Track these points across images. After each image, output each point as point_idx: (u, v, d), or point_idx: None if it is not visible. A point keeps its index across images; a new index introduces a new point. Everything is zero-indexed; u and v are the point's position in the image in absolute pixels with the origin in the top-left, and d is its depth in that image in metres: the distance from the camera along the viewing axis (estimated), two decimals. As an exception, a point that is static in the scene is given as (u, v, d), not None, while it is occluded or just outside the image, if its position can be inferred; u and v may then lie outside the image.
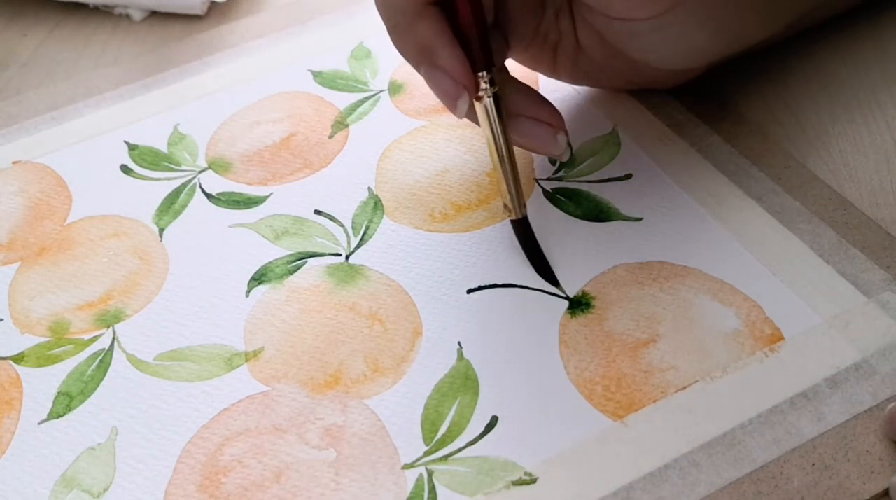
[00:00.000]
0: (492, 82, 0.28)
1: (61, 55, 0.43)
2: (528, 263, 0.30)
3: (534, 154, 0.34)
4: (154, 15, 0.45)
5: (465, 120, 0.35)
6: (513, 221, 0.30)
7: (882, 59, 0.36)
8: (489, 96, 0.28)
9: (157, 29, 0.44)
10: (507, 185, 0.29)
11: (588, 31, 0.31)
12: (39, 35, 0.44)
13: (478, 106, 0.29)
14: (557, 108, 0.30)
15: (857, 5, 0.38)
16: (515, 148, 0.29)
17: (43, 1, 0.46)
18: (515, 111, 0.30)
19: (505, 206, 0.30)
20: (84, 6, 0.45)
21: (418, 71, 0.29)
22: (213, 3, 0.44)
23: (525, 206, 0.30)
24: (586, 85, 0.35)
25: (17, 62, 0.42)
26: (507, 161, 0.29)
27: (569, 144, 0.30)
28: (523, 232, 0.30)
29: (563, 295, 0.29)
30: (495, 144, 0.29)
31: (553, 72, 0.34)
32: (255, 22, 0.43)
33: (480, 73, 0.28)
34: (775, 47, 0.37)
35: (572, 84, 0.35)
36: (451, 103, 0.28)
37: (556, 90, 0.36)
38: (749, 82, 0.36)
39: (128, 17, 0.44)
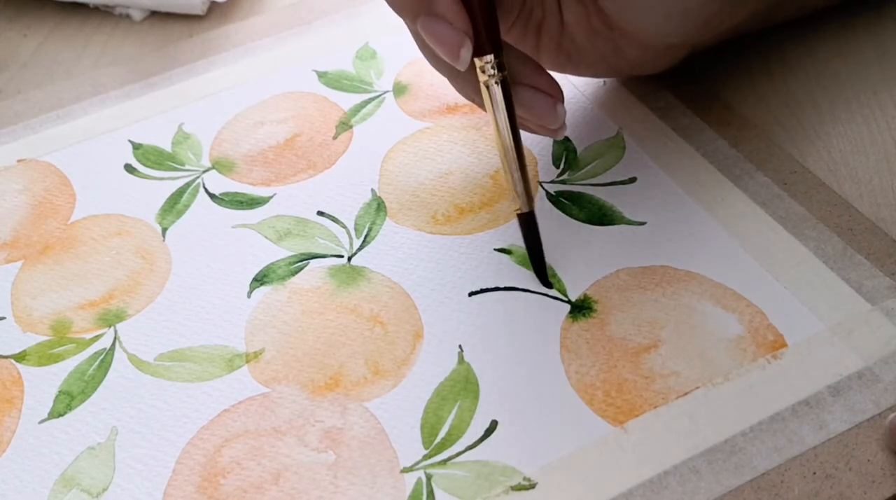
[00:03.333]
0: (499, 66, 0.27)
1: (61, 55, 0.43)
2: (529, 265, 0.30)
3: (537, 156, 0.34)
4: (154, 15, 0.45)
5: (469, 122, 0.36)
6: (519, 215, 0.29)
7: (882, 59, 0.36)
8: (497, 82, 0.27)
9: (157, 29, 0.44)
10: (515, 176, 0.28)
11: (573, 7, 0.31)
12: (39, 35, 0.44)
13: (484, 92, 0.28)
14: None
15: None
16: None
17: (43, 1, 0.46)
18: (513, 80, 0.28)
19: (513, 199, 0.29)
20: (84, 6, 0.45)
21: (414, 24, 0.27)
22: (213, 3, 0.44)
23: (533, 199, 0.28)
24: (569, 72, 0.34)
25: (17, 62, 0.42)
26: (515, 150, 0.28)
27: (564, 122, 0.29)
28: (528, 227, 0.29)
29: (564, 299, 0.29)
30: (502, 132, 0.27)
31: (536, 54, 0.33)
32: (260, 22, 0.43)
33: (487, 58, 0.27)
34: (776, 47, 0.37)
35: (555, 70, 0.33)
36: (453, 54, 0.26)
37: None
38: (750, 83, 0.36)
39: (128, 17, 0.44)
